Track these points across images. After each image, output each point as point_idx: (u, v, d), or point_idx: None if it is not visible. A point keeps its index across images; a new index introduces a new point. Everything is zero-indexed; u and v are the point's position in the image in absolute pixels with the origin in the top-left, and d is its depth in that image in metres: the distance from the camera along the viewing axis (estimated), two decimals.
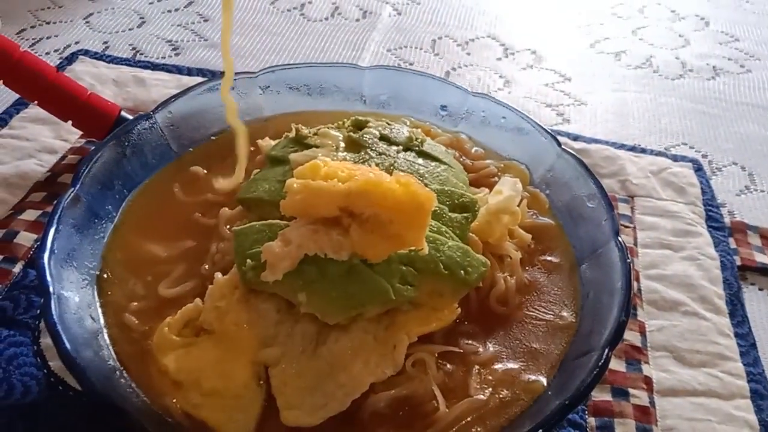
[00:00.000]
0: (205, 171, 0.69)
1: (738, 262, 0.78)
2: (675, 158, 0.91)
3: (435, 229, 0.55)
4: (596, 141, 0.92)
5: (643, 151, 0.92)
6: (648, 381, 0.64)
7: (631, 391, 0.63)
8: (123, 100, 0.90)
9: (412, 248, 0.52)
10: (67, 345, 0.48)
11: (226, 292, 0.53)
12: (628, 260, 0.56)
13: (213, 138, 0.73)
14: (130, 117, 0.82)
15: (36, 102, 0.79)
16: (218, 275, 0.55)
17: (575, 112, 1.00)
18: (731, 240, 0.81)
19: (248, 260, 0.52)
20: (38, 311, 0.64)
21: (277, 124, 0.74)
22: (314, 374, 0.50)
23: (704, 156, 0.95)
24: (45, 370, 0.60)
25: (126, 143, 0.66)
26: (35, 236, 0.71)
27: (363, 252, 0.51)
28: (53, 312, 0.49)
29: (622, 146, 0.92)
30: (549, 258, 0.63)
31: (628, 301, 0.53)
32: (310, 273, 0.51)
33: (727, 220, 0.84)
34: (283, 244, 0.50)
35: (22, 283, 0.67)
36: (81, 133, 0.85)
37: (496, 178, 0.68)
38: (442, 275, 0.53)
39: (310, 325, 0.52)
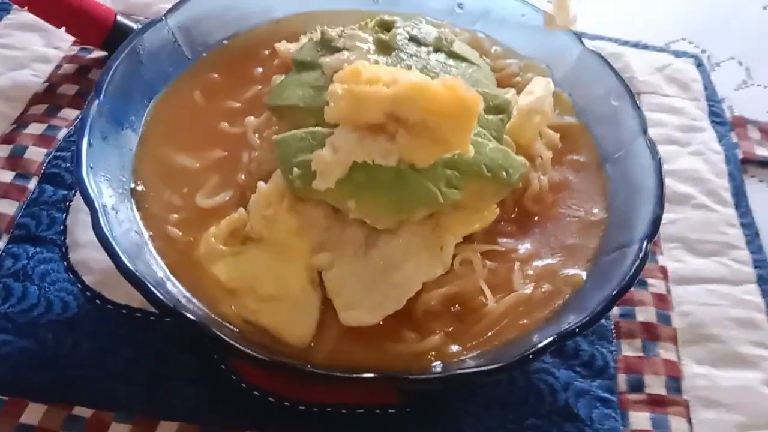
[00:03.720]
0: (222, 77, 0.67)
1: (740, 156, 0.81)
2: (677, 54, 0.92)
3: (476, 132, 0.55)
4: (600, 38, 0.92)
5: (646, 47, 0.92)
6: (664, 270, 0.68)
7: (649, 280, 0.67)
8: (111, 3, 0.85)
9: (457, 152, 0.52)
10: (123, 257, 0.47)
11: (273, 200, 0.53)
12: (658, 156, 0.58)
13: (225, 42, 0.70)
14: (127, 22, 0.78)
15: (26, 8, 0.75)
16: (261, 184, 0.54)
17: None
18: (733, 134, 0.84)
19: (294, 169, 0.52)
20: (62, 227, 0.64)
21: (290, 26, 0.72)
22: (368, 275, 0.51)
23: (703, 51, 0.96)
24: (79, 285, 0.61)
25: (141, 50, 0.63)
26: (45, 150, 0.69)
27: (410, 157, 0.51)
28: (104, 226, 0.49)
29: (625, 43, 0.92)
30: (575, 157, 0.64)
31: (662, 196, 0.55)
32: (360, 179, 0.50)
33: (728, 114, 0.86)
34: (332, 152, 0.50)
35: (40, 200, 0.66)
36: (73, 39, 0.81)
37: (518, 78, 0.68)
38: (485, 177, 0.54)
39: (359, 230, 0.53)
